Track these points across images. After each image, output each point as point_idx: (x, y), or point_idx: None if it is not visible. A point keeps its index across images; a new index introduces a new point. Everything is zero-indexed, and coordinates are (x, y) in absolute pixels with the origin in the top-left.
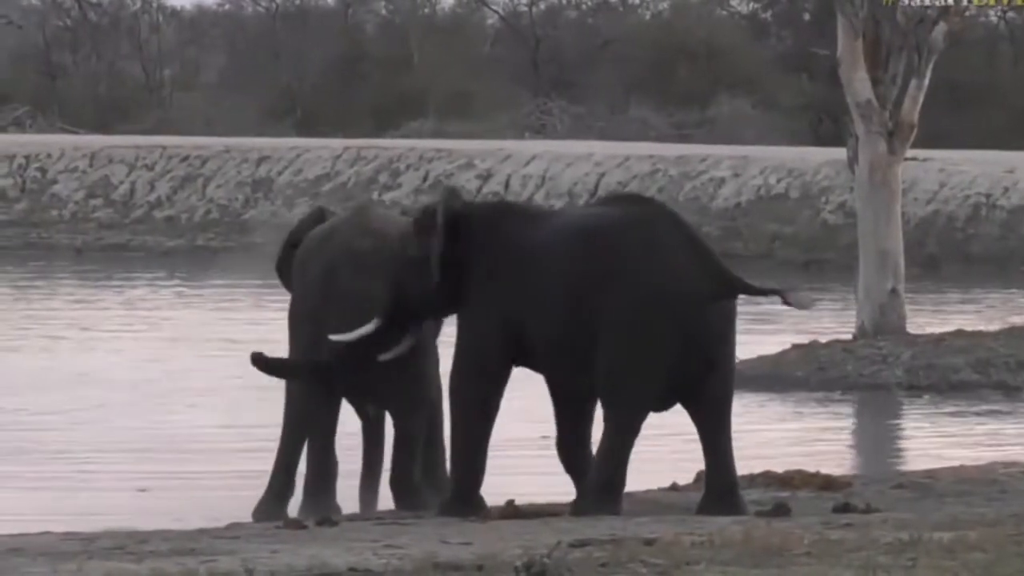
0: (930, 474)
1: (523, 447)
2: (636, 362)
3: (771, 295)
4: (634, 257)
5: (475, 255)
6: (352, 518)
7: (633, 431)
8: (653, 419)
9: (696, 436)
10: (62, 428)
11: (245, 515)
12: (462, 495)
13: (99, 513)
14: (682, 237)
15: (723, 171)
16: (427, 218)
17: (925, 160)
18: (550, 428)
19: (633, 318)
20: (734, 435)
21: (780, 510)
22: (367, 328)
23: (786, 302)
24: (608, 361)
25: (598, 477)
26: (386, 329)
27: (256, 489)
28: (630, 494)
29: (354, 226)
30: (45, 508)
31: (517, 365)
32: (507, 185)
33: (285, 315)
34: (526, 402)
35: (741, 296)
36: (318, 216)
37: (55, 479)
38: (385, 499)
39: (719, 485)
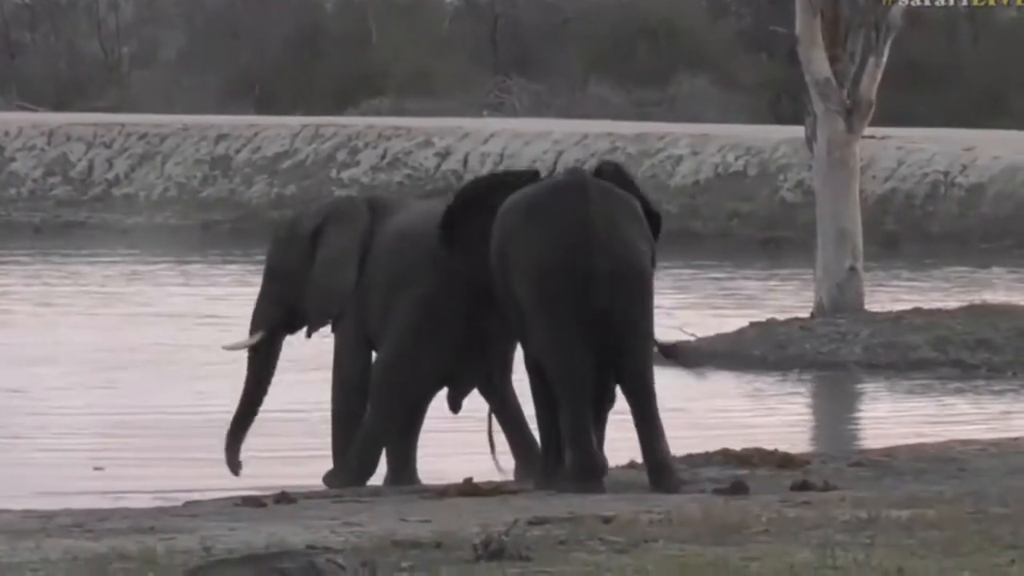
0: (888, 452)
1: (481, 425)
2: (549, 340)
3: None
4: (527, 235)
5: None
6: (310, 495)
7: (575, 404)
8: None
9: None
10: (18, 405)
11: (202, 492)
12: (584, 464)
13: (55, 492)
14: (590, 210)
15: (681, 149)
16: None
17: (884, 138)
18: None
19: (532, 296)
20: (693, 413)
21: (738, 488)
22: None
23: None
24: (534, 344)
25: (572, 460)
26: None
27: (213, 465)
28: None
29: None
30: (1, 487)
31: None
32: (465, 163)
33: (237, 289)
34: None
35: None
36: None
37: (9, 457)
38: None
39: (649, 461)
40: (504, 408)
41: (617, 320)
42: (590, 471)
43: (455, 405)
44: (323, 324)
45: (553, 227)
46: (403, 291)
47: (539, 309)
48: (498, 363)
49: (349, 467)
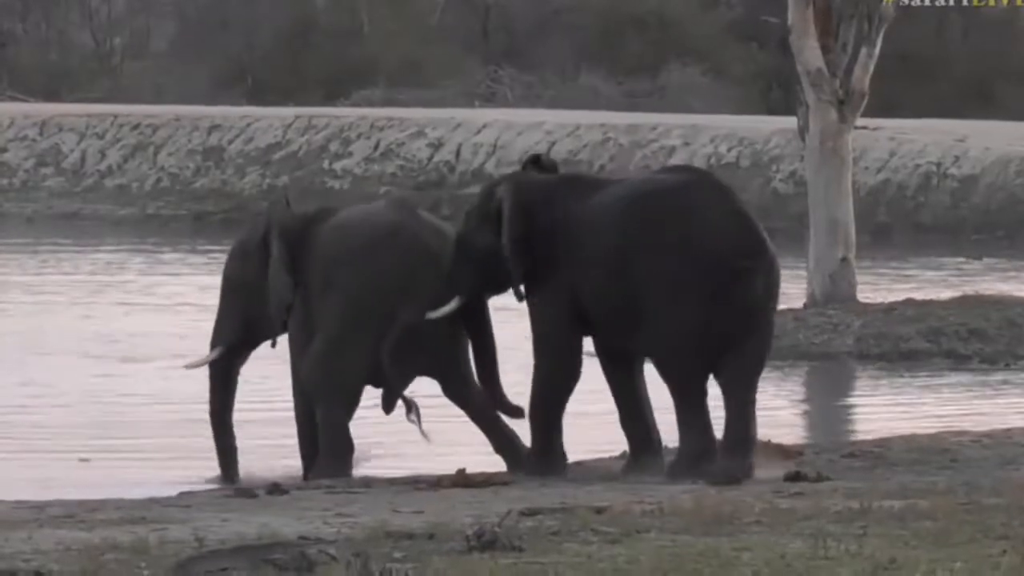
0: (881, 443)
1: (462, 418)
2: (679, 330)
3: None
4: (673, 224)
5: (542, 232)
6: (303, 487)
7: (694, 394)
8: (598, 386)
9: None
10: (7, 394)
11: (188, 484)
12: (543, 453)
13: (42, 483)
14: (726, 206)
15: (674, 140)
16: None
17: (876, 129)
18: None
19: (675, 285)
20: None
21: (730, 479)
22: (452, 306)
23: None
24: (656, 330)
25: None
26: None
27: (200, 458)
28: (581, 463)
29: None
30: None
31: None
32: (458, 154)
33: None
34: None
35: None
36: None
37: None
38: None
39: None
40: (471, 409)
41: (761, 308)
42: (705, 457)
43: (388, 405)
44: (280, 331)
45: (704, 224)
46: (331, 288)
47: (677, 304)
48: (451, 366)
49: (327, 462)
